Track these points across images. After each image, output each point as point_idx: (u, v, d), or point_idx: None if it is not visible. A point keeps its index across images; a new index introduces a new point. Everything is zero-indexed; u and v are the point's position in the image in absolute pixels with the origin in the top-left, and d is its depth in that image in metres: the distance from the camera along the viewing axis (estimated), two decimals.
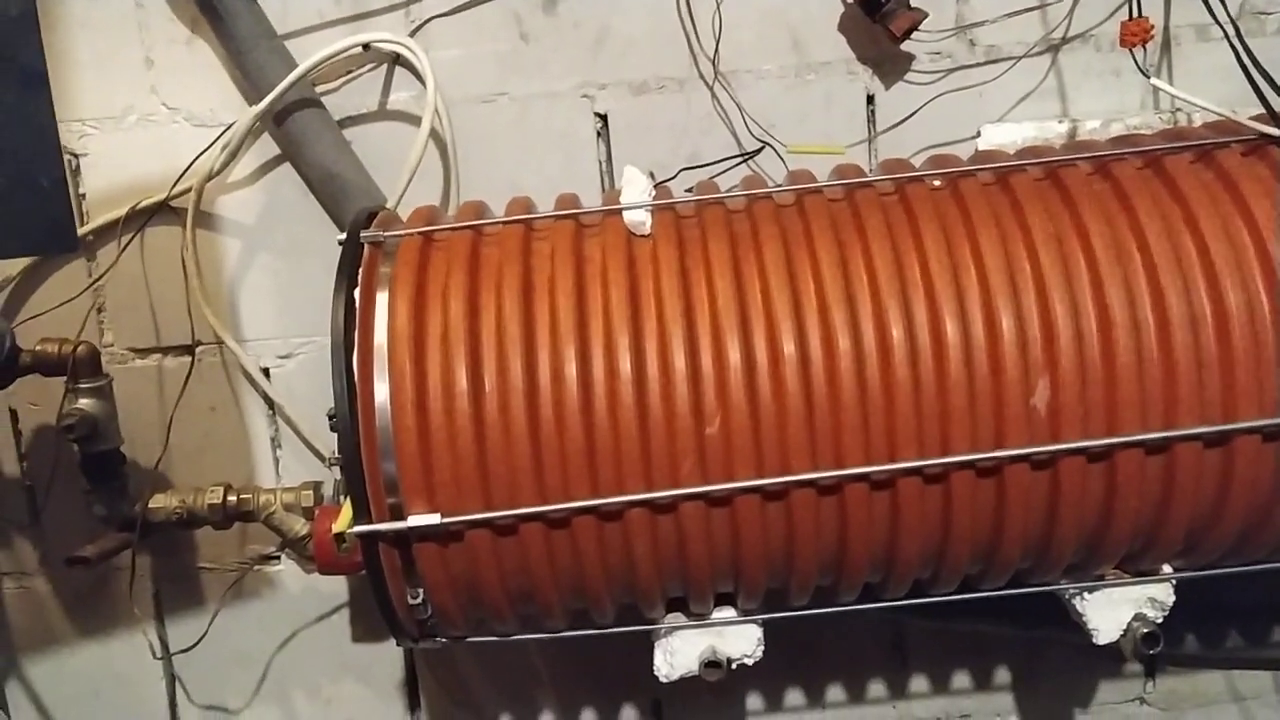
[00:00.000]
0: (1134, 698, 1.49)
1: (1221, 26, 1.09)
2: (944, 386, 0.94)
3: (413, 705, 1.49)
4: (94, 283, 1.34)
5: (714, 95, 1.32)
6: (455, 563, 0.99)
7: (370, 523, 0.96)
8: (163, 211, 1.35)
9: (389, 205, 1.26)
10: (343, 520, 0.97)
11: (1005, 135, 1.26)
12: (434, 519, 0.95)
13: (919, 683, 1.48)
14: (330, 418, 1.25)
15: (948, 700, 1.49)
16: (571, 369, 0.96)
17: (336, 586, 1.46)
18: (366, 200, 1.29)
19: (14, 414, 1.42)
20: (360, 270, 1.01)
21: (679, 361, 0.96)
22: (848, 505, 0.97)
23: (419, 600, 1.00)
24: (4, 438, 1.43)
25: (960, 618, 1.34)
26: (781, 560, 1.00)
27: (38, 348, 1.28)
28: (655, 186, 1.08)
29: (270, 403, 1.41)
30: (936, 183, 1.05)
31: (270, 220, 1.37)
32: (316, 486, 1.36)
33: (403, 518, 0.96)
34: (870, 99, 1.33)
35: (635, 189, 1.05)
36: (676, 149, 1.33)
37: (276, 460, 1.43)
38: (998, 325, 0.95)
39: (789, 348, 0.95)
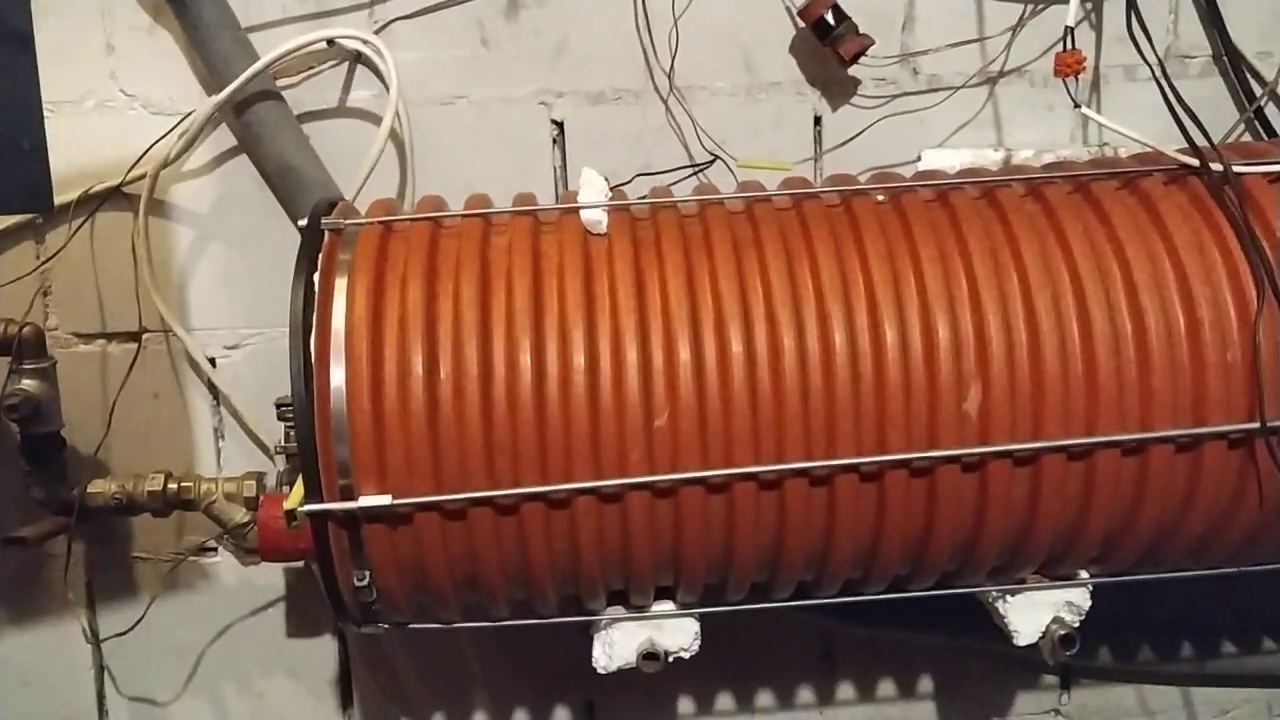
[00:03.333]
0: (1049, 709, 1.55)
1: (1150, 65, 1.16)
2: (882, 388, 0.99)
3: (345, 701, 1.50)
4: (42, 264, 1.34)
5: (668, 109, 1.37)
6: (403, 545, 1.01)
7: (322, 502, 0.97)
8: (115, 197, 1.35)
9: (347, 199, 1.28)
10: (294, 498, 0.98)
11: (944, 160, 1.32)
12: (384, 500, 0.97)
13: (846, 690, 1.52)
14: (279, 406, 1.27)
15: (873, 708, 1.53)
16: (526, 358, 0.99)
17: (272, 580, 1.47)
18: (323, 194, 1.30)
19: None
20: (320, 256, 1.03)
21: (631, 355, 0.99)
22: (787, 500, 1.00)
23: (365, 582, 1.02)
24: None
25: (887, 625, 1.39)
26: (721, 553, 1.03)
27: None
28: (611, 190, 1.11)
29: (215, 392, 1.41)
30: (880, 197, 1.10)
31: (223, 211, 1.38)
32: (259, 477, 1.36)
33: (352, 497, 0.98)
34: (818, 120, 1.39)
35: (592, 189, 1.09)
36: (630, 159, 1.37)
37: (219, 450, 1.43)
38: (934, 332, 0.99)
39: (736, 346, 0.99)
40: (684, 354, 0.99)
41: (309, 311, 1.00)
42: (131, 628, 1.38)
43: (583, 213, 1.07)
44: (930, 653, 1.51)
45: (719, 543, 1.03)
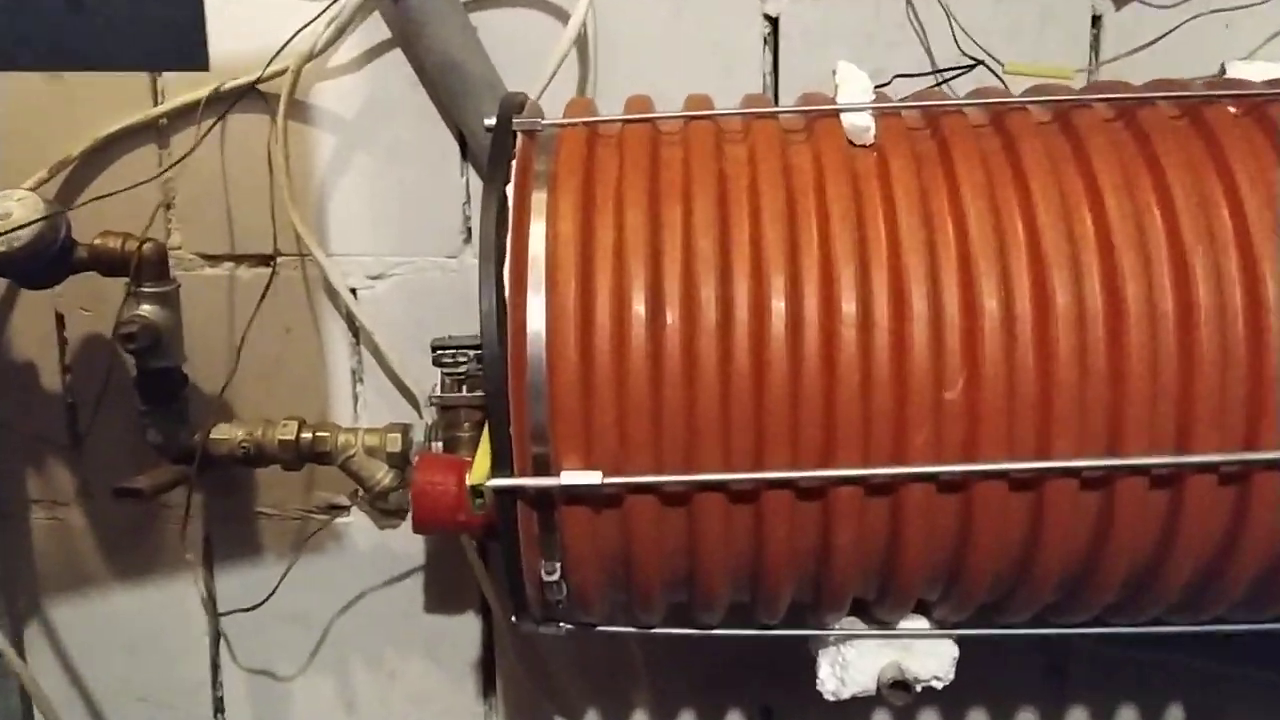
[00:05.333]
0: None
1: None
2: (1260, 361, 0.73)
3: (488, 688, 1.30)
4: (165, 171, 1.14)
5: (909, 3, 1.11)
6: (608, 533, 0.79)
7: (513, 476, 0.76)
8: (250, 96, 1.15)
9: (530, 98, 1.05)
10: (478, 471, 0.77)
11: (1255, 75, 1.04)
12: (593, 478, 0.75)
13: (1077, 715, 1.28)
14: (436, 349, 1.07)
15: None
16: (779, 303, 0.76)
17: (411, 547, 1.27)
18: (491, 96, 1.09)
19: (60, 319, 1.23)
20: (515, 163, 0.81)
21: (918, 304, 0.75)
22: (1118, 503, 0.76)
23: (555, 576, 0.81)
24: (47, 346, 1.24)
25: (1133, 642, 1.15)
26: (1017, 565, 0.80)
27: (97, 241, 1.09)
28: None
29: (355, 328, 1.21)
30: (1232, 109, 0.83)
31: (374, 115, 1.17)
32: (404, 430, 1.16)
33: (549, 471, 0.76)
34: (1096, 20, 1.12)
35: (854, 88, 0.85)
36: (857, 63, 1.10)
37: (356, 395, 1.24)
38: None
39: (1062, 296, 0.75)
40: (989, 304, 0.75)
41: (501, 234, 0.78)
42: (260, 603, 1.20)
43: (845, 118, 0.83)
44: (1177, 674, 1.26)
45: (1016, 553, 0.79)
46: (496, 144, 0.82)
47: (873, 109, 0.83)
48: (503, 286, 0.76)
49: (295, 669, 1.31)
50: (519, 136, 0.83)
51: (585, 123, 0.85)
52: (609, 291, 0.76)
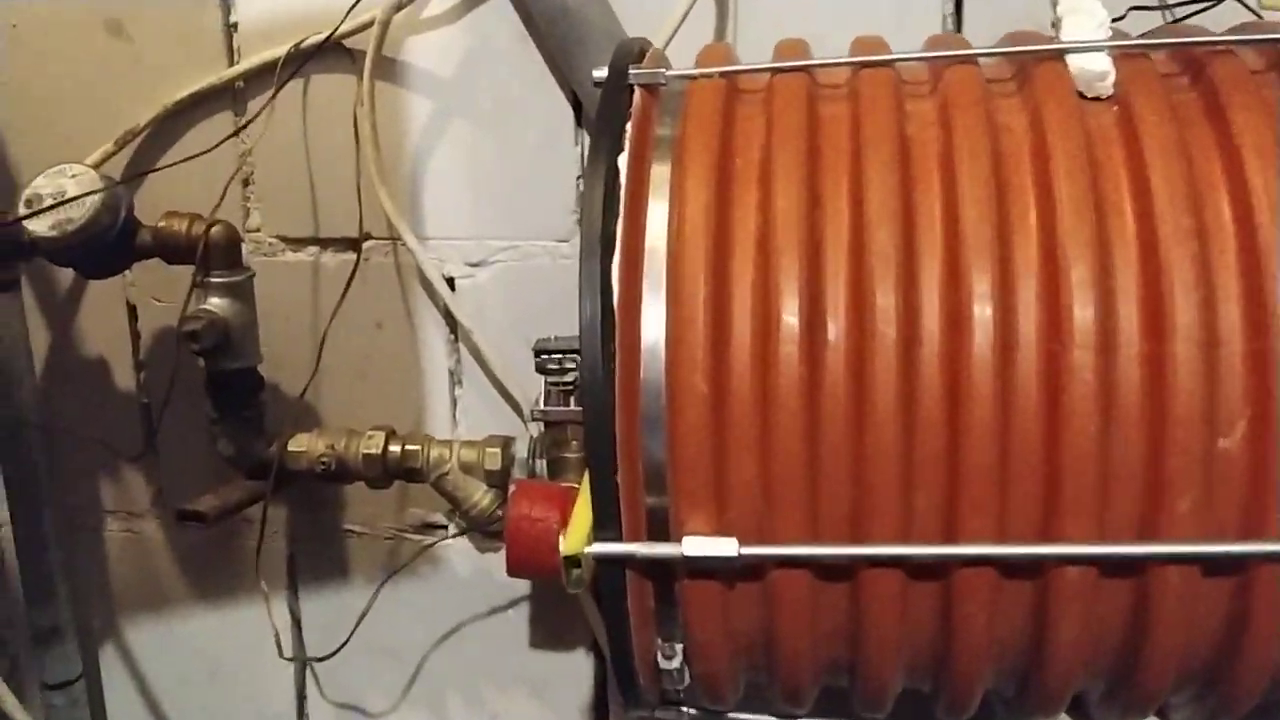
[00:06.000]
0: None
1: None
2: None
3: None
4: (230, 136, 1.00)
5: None
6: (744, 613, 0.60)
7: (619, 539, 0.57)
8: (335, 53, 1.00)
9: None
10: (574, 537, 0.59)
11: None
12: (727, 547, 0.56)
13: None
14: (539, 354, 0.90)
15: None
16: (983, 312, 0.55)
17: None
18: (609, 47, 0.89)
19: (133, 311, 1.11)
20: (630, 126, 0.62)
21: (1183, 316, 0.54)
22: None
23: (675, 664, 0.62)
24: (119, 341, 1.12)
25: None
26: None
27: (161, 224, 0.96)
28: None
29: (453, 324, 1.05)
30: None
31: (474, 74, 1.00)
32: (506, 444, 1.00)
33: (667, 532, 0.58)
34: None
35: (1088, 21, 0.63)
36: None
37: (454, 400, 1.08)
38: None
39: None
40: None
41: (610, 219, 0.59)
42: (339, 648, 1.05)
43: (1073, 60, 0.62)
44: None
45: None
46: (607, 102, 0.63)
47: (1112, 48, 0.61)
48: (610, 288, 0.58)
49: (387, 705, 1.16)
50: (636, 92, 0.65)
51: (722, 73, 0.65)
52: (751, 295, 0.57)
